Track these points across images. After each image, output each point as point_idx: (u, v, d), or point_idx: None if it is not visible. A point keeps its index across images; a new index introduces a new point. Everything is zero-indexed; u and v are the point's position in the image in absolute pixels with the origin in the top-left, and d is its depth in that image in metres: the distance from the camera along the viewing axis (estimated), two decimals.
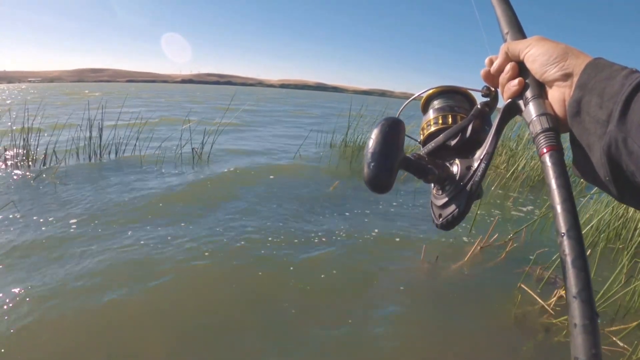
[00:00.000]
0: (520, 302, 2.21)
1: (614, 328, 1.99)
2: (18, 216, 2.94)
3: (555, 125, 0.43)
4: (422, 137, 0.57)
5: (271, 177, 4.50)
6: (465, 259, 2.67)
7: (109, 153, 5.12)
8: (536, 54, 0.45)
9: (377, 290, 2.30)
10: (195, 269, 2.31)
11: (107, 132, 5.13)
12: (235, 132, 7.89)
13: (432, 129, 0.54)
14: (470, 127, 0.51)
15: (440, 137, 0.52)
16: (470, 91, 0.56)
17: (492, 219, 3.52)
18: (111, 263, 2.29)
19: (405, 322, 2.02)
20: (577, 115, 0.41)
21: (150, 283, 2.12)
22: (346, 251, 2.72)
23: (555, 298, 2.17)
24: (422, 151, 0.53)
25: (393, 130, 0.44)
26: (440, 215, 0.49)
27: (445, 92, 0.56)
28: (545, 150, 0.41)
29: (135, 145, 5.29)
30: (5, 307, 1.84)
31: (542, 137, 0.42)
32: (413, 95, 0.59)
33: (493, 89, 0.52)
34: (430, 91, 0.57)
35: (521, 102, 0.47)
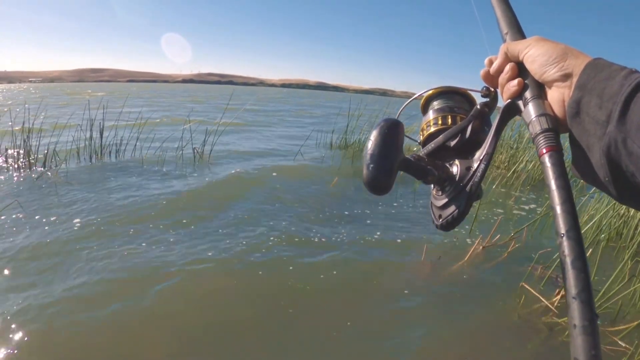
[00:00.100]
0: (523, 301, 2.20)
1: (615, 328, 1.98)
2: (21, 216, 2.95)
3: (555, 126, 0.43)
4: (421, 137, 0.57)
5: (273, 178, 4.50)
6: (467, 258, 2.67)
7: (110, 153, 5.13)
8: (535, 54, 0.45)
9: (378, 291, 2.30)
10: (200, 272, 2.29)
11: (110, 133, 5.15)
12: (237, 132, 7.90)
13: (432, 129, 0.55)
14: (469, 128, 0.51)
15: (440, 138, 0.52)
16: (470, 92, 0.56)
17: (494, 218, 3.52)
18: (116, 267, 2.28)
19: (407, 322, 2.02)
20: (577, 116, 0.41)
21: (157, 286, 2.11)
22: (347, 252, 2.72)
23: (559, 297, 2.17)
24: (422, 152, 0.53)
25: (392, 132, 0.44)
26: (440, 216, 0.49)
27: (445, 93, 0.56)
28: (544, 150, 0.41)
29: (135, 145, 5.30)
30: (11, 313, 1.83)
31: (541, 138, 0.42)
32: (414, 94, 0.59)
33: (492, 90, 0.52)
34: (430, 92, 0.57)
35: (520, 103, 0.47)
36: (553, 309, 2.12)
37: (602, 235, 3.10)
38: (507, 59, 0.49)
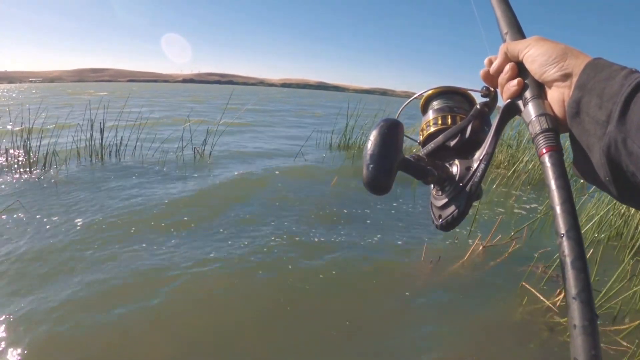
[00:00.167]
0: (524, 301, 2.20)
1: (616, 327, 1.98)
2: (23, 217, 2.95)
3: (555, 126, 0.43)
4: (421, 137, 0.56)
5: (274, 178, 4.50)
6: (467, 258, 2.67)
7: (111, 153, 5.13)
8: (535, 54, 0.45)
9: (378, 291, 2.30)
10: (202, 274, 2.29)
11: (110, 133, 5.15)
12: (238, 132, 7.89)
13: (432, 129, 0.54)
14: (469, 128, 0.51)
15: (440, 138, 0.52)
16: (470, 91, 0.56)
17: (495, 217, 3.52)
18: (119, 270, 2.28)
19: (407, 322, 2.02)
20: (577, 116, 0.41)
21: (161, 289, 2.11)
22: (347, 252, 2.72)
23: (561, 296, 2.16)
24: (422, 152, 0.53)
25: (392, 132, 0.44)
26: (440, 216, 0.49)
27: (445, 93, 0.56)
28: (544, 150, 0.41)
29: (136, 145, 5.30)
30: (16, 316, 1.83)
31: (541, 138, 0.42)
32: (414, 94, 0.59)
33: (492, 90, 0.52)
34: (430, 92, 0.57)
35: (520, 103, 0.47)
36: (554, 308, 2.12)
37: (603, 235, 3.09)
38: (507, 58, 0.49)
